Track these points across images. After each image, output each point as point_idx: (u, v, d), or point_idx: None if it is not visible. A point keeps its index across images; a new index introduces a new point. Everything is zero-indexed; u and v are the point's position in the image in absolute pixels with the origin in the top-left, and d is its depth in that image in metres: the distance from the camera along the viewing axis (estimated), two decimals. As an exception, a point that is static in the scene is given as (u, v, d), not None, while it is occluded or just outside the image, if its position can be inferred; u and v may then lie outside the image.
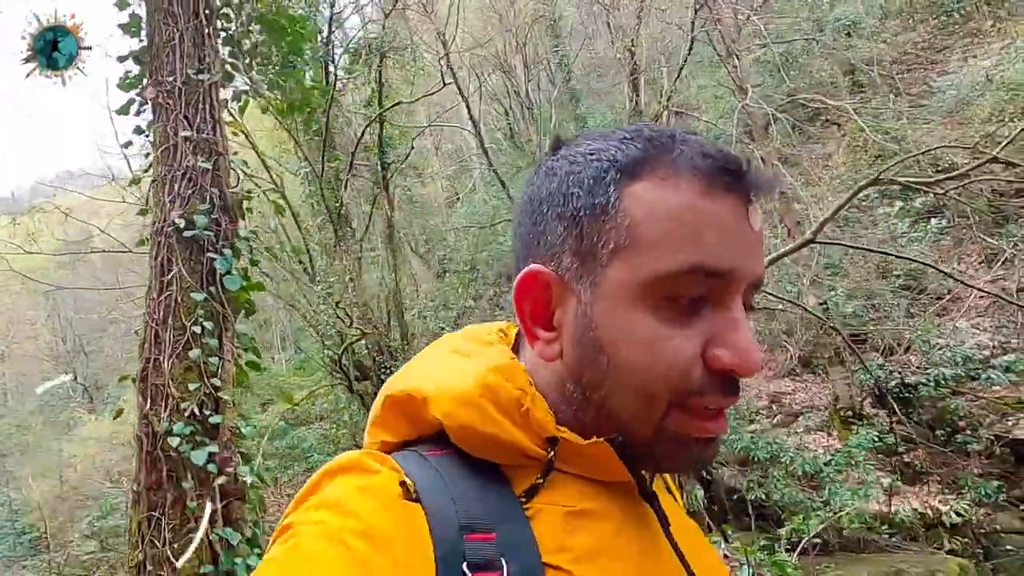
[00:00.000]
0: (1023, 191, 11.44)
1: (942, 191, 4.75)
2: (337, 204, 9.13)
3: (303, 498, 0.55)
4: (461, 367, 0.61)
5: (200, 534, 1.88)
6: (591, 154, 0.59)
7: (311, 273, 9.60)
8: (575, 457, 0.58)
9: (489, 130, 24.09)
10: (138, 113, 2.76)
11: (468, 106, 11.65)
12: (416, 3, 10.67)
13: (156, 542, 2.00)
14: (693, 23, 10.89)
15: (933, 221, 11.26)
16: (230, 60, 2.80)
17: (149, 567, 2.01)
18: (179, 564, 1.79)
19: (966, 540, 7.34)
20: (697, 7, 9.39)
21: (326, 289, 8.71)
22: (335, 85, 8.15)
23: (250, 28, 2.86)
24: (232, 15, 2.81)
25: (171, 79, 2.54)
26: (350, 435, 9.68)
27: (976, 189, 11.56)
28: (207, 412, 2.35)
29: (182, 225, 2.51)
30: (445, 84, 8.17)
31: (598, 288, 0.57)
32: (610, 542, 0.57)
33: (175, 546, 1.99)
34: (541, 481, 0.57)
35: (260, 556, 2.08)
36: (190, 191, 2.41)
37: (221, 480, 2.19)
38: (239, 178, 2.62)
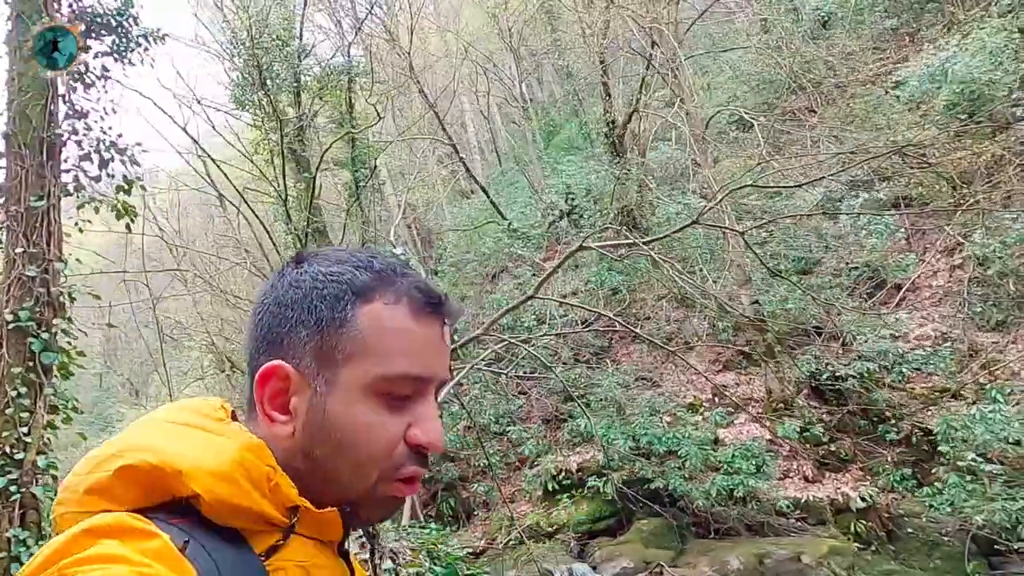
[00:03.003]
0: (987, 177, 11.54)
1: (645, 249, 5.33)
2: (304, 224, 9.99)
3: (60, 555, 0.55)
4: (210, 444, 0.67)
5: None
6: (331, 275, 0.71)
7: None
8: (311, 521, 0.68)
9: (495, 127, 24.70)
10: (-1, 230, 3.69)
11: (439, 118, 12.34)
12: (382, 33, 11.38)
13: (-27, 537, 2.94)
14: (653, 47, 11.35)
15: (887, 216, 11.49)
16: (84, 174, 3.74)
17: (-34, 553, 2.97)
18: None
19: (871, 524, 7.85)
20: (653, 40, 9.85)
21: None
22: (278, 112, 8.97)
23: (97, 151, 3.77)
24: (83, 141, 3.74)
25: (15, 208, 3.41)
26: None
27: (939, 174, 11.78)
28: (15, 451, 3.27)
29: (11, 319, 3.44)
30: (381, 118, 8.94)
31: (332, 384, 0.69)
32: None
33: (-17, 539, 2.94)
34: (282, 542, 0.66)
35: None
36: (20, 292, 3.30)
37: (16, 497, 3.10)
38: (66, 277, 3.56)
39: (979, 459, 6.50)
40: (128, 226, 3.97)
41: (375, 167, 10.75)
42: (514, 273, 14.09)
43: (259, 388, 0.71)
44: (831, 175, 7.15)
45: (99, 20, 3.85)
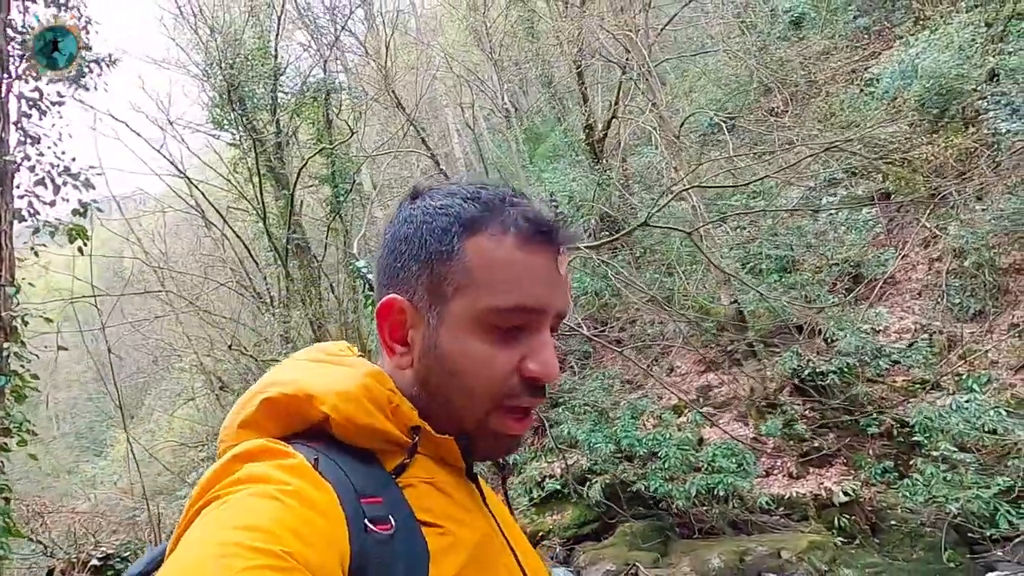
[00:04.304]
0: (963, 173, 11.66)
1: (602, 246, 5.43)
2: (283, 240, 10.04)
3: (215, 480, 0.61)
4: (337, 373, 0.72)
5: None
6: (440, 209, 0.73)
7: (268, 303, 10.56)
8: (431, 443, 0.72)
9: (480, 137, 24.80)
10: (-49, 258, 3.74)
11: (419, 131, 12.41)
12: (359, 49, 11.45)
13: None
14: (627, 53, 11.43)
15: (865, 210, 11.62)
16: (38, 199, 3.82)
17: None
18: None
19: (854, 517, 7.88)
20: (625, 48, 9.96)
21: (280, 319, 9.61)
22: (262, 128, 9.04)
23: (50, 177, 3.85)
24: (36, 167, 3.82)
25: (-37, 236, 3.49)
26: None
27: (913, 168, 11.91)
28: (-34, 472, 3.28)
29: (-48, 359, 3.42)
30: (353, 132, 9.03)
31: (443, 316, 0.71)
32: (458, 505, 0.72)
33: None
34: (408, 460, 0.69)
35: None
36: (-31, 317, 3.38)
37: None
38: (18, 302, 3.62)
39: (953, 449, 6.55)
40: (80, 249, 4.04)
41: (355, 181, 10.84)
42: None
43: (379, 322, 0.75)
44: (775, 173, 7.22)
45: (51, 48, 3.94)
